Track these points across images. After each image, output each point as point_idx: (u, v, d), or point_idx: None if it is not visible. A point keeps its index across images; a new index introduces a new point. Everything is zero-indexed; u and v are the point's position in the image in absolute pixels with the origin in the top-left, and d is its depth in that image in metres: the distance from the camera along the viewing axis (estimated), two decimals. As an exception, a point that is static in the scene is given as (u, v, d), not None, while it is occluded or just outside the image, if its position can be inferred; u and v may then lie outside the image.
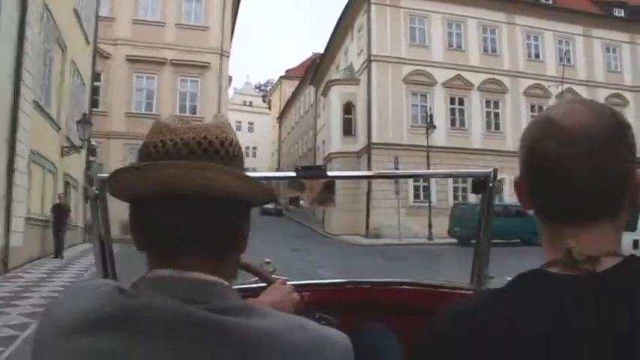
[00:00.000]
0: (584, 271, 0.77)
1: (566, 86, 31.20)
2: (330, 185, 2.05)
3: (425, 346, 0.86)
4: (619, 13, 35.38)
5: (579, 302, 0.74)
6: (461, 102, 30.32)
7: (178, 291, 0.76)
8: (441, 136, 28.03)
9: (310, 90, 46.94)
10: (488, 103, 30.85)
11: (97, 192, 1.76)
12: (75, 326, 0.74)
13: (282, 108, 64.91)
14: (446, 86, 29.88)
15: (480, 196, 2.06)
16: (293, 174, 1.91)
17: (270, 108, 77.87)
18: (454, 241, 24.52)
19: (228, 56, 30.61)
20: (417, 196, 28.13)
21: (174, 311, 0.73)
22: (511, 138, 30.74)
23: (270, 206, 38.68)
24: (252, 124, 75.32)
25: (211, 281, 0.79)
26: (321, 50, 41.26)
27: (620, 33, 34.45)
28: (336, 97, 31.41)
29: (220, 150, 0.81)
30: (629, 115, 33.97)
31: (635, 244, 9.85)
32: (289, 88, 63.22)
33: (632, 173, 0.81)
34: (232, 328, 0.72)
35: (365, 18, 30.03)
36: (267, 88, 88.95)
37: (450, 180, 28.81)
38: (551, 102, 31.57)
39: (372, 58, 28.91)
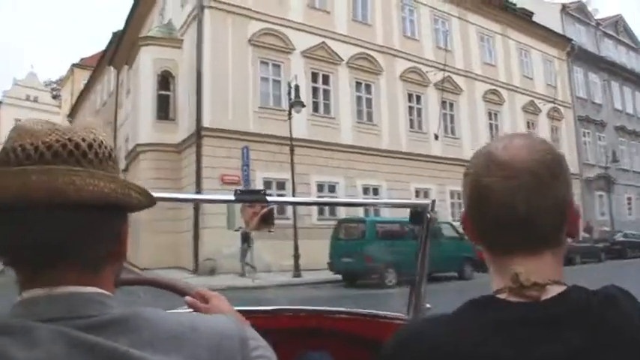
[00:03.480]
0: (530, 298, 0.80)
1: (445, 75, 24.82)
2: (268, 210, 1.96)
3: None
4: None
5: (525, 328, 0.77)
6: (326, 80, 22.02)
7: (53, 310, 0.69)
8: (301, 125, 19.33)
9: (110, 74, 35.45)
10: (359, 85, 22.96)
11: None
12: None
13: (73, 103, 51.75)
14: (307, 56, 21.34)
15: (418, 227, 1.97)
16: (232, 197, 1.76)
17: (60, 106, 63.54)
18: (336, 277, 15.91)
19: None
20: (268, 210, 19.05)
21: (52, 341, 0.65)
22: (387, 133, 23.30)
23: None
24: (37, 124, 60.44)
25: (88, 293, 0.72)
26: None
27: (493, 23, 29.44)
28: (148, 64, 21.18)
29: (89, 153, 0.73)
30: (505, 113, 29.01)
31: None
32: (84, 79, 50.49)
33: (571, 203, 0.86)
34: (111, 351, 0.66)
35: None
36: (60, 88, 73.89)
37: (314, 185, 20.34)
38: (430, 90, 24.90)
39: (204, 3, 19.38)
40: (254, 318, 1.88)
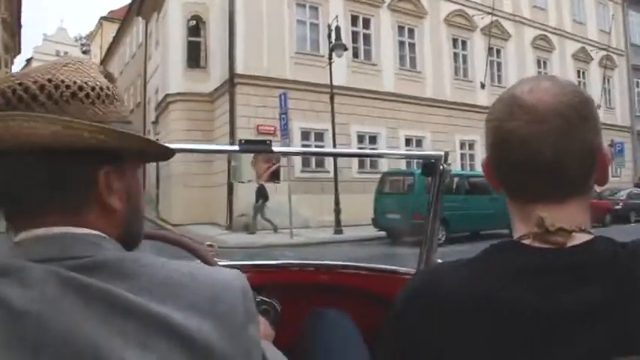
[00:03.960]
0: (555, 244, 0.78)
1: (493, 19, 23.07)
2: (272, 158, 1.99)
3: (390, 319, 0.85)
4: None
5: (551, 274, 0.75)
6: (366, 24, 20.50)
7: (45, 251, 0.69)
8: (340, 71, 17.93)
9: (139, 25, 34.30)
10: (401, 29, 21.38)
11: None
12: None
13: (102, 57, 50.95)
14: (346, -3, 19.86)
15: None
16: (236, 147, 1.80)
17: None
18: (381, 234, 14.86)
19: None
20: (305, 163, 17.95)
21: (42, 280, 0.65)
22: (431, 81, 21.81)
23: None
24: (68, 80, 60.53)
25: (81, 233, 0.72)
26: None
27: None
28: (177, 8, 19.90)
29: (39, 95, 0.70)
30: (554, 61, 27.12)
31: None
32: (113, 32, 49.45)
33: (600, 149, 0.82)
34: (105, 292, 0.65)
35: None
36: (90, 43, 73.21)
37: (354, 136, 19.12)
38: (476, 36, 23.26)
39: (236, -60, 17.88)
40: (260, 273, 1.87)
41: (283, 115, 14.68)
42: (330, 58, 16.14)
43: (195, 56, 19.98)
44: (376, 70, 20.35)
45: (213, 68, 19.42)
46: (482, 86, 23.21)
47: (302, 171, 17.40)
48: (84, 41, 74.35)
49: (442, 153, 1.94)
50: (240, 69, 17.40)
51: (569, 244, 0.78)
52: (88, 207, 0.74)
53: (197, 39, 20.09)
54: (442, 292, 0.79)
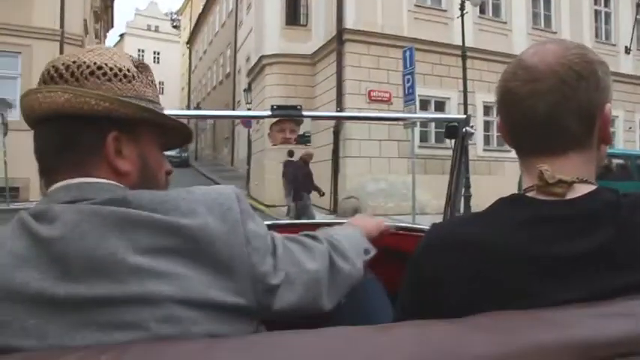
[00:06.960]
0: (555, 195, 0.82)
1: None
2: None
3: (409, 263, 0.91)
4: None
5: (550, 224, 0.79)
6: (494, -27, 17.32)
7: (62, 196, 0.82)
8: (466, 30, 14.83)
9: (231, -10, 32.61)
10: (535, -20, 18.09)
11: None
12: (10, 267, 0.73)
13: (192, 29, 49.79)
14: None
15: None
16: (268, 112, 1.90)
17: (180, 35, 62.60)
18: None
19: None
20: (424, 137, 15.17)
21: (76, 211, 0.76)
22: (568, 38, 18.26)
23: (172, 152, 24.92)
24: (159, 53, 61.51)
25: (95, 181, 0.84)
26: None
27: None
28: (276, -43, 17.48)
29: (64, 73, 0.86)
30: None
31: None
32: (202, 4, 48.23)
33: (601, 108, 0.84)
34: (115, 212, 0.76)
35: None
36: (180, 17, 73.20)
37: (480, 106, 16.07)
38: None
39: None
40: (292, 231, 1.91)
41: (408, 76, 11.96)
42: (463, 8, 13.16)
43: (294, 12, 17.48)
44: (506, 29, 17.11)
45: (316, 25, 16.83)
46: (628, 51, 19.48)
47: (420, 145, 14.64)
48: (174, 16, 74.32)
49: (465, 116, 1.93)
50: (349, 23, 14.69)
51: (572, 195, 0.82)
52: (97, 166, 0.85)
53: (297, -7, 17.57)
54: (453, 238, 0.84)
